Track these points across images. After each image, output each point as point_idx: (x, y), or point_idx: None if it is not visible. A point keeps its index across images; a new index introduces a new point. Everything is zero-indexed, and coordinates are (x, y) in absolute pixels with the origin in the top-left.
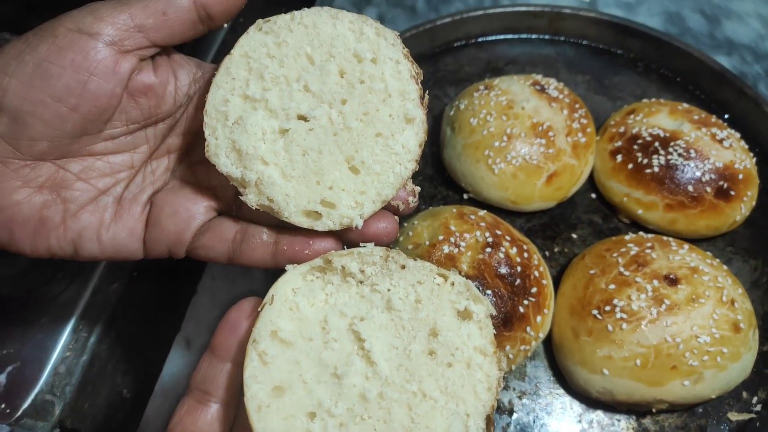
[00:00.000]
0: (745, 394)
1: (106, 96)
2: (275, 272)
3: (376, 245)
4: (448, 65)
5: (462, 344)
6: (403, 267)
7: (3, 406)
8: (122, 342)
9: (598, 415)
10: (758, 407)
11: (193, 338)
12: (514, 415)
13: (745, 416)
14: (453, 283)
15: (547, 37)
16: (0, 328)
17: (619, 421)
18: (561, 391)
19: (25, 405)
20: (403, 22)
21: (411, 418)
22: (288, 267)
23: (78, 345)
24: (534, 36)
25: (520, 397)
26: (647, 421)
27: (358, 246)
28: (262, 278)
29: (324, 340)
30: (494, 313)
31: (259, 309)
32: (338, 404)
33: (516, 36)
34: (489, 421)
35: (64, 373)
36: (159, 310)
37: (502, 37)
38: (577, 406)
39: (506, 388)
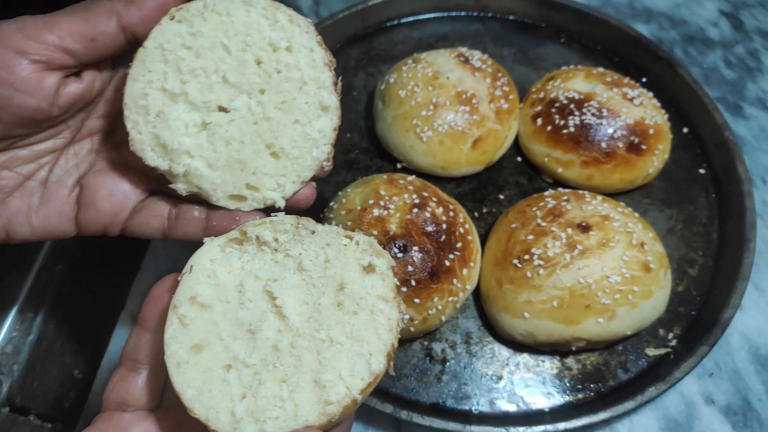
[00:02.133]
0: (661, 331)
1: (30, 110)
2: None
3: (295, 210)
4: (382, 44)
5: (366, 294)
6: (313, 232)
7: None
8: (69, 322)
9: (524, 358)
10: (673, 342)
11: (138, 314)
12: (447, 364)
13: (662, 351)
14: (357, 243)
15: (475, 14)
16: None
17: (543, 362)
18: (490, 338)
19: None
20: (338, 4)
21: (319, 362)
22: (206, 239)
23: (24, 325)
24: (463, 13)
25: (452, 347)
26: (570, 361)
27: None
28: None
29: (240, 301)
30: (394, 264)
31: (179, 278)
32: (252, 356)
33: (446, 14)
34: (389, 357)
35: (11, 352)
36: (104, 289)
37: (432, 15)
38: (504, 351)
39: (439, 339)
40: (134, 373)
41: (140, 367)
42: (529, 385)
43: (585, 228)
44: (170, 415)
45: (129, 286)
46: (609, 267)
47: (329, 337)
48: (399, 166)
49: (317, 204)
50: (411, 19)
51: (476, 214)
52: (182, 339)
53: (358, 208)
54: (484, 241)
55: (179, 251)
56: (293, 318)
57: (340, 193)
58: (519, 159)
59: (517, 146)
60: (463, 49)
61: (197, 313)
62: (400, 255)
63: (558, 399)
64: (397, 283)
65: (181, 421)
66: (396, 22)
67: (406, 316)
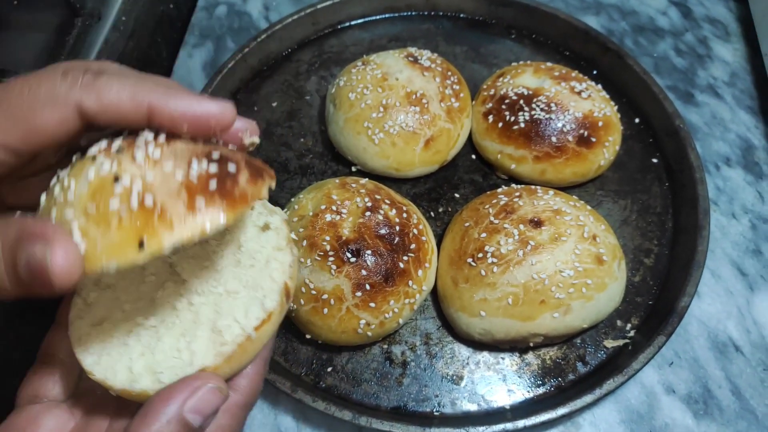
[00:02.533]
0: (619, 323)
1: None
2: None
3: None
4: (333, 47)
5: (261, 248)
6: None
7: None
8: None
9: (484, 356)
10: (632, 333)
11: None
12: (407, 367)
13: (620, 342)
14: (253, 207)
15: (425, 13)
16: None
17: (503, 359)
18: (449, 338)
19: None
20: (287, 8)
21: (216, 312)
22: None
23: None
24: (414, 13)
25: (412, 349)
26: (529, 356)
27: None
28: None
29: (142, 276)
30: (286, 218)
31: None
32: (151, 318)
33: (397, 14)
34: (287, 294)
35: None
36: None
37: (383, 16)
38: (464, 350)
39: (398, 342)
40: (48, 366)
41: (54, 361)
42: (489, 383)
43: (537, 223)
44: (83, 402)
45: None
46: (562, 261)
47: (226, 290)
48: (354, 169)
49: None
50: (362, 20)
51: (432, 213)
52: (85, 315)
53: (311, 214)
54: (441, 240)
55: None
56: (192, 281)
57: (293, 199)
58: (473, 157)
59: (471, 144)
60: (413, 49)
61: (100, 293)
62: (353, 259)
63: (519, 396)
64: (292, 234)
65: (94, 406)
66: (347, 24)
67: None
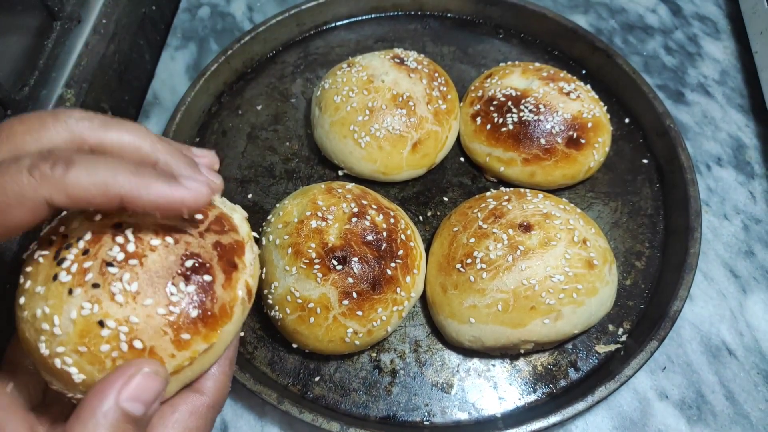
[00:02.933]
0: (611, 327)
1: None
2: None
3: None
4: (319, 48)
5: None
6: None
7: None
8: None
9: (475, 363)
10: (624, 337)
11: None
12: (396, 375)
13: (612, 347)
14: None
15: (412, 13)
16: None
17: (494, 366)
18: (439, 345)
19: None
20: (271, 9)
21: None
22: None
23: None
24: (400, 13)
25: (401, 357)
26: (520, 363)
27: None
28: None
29: None
30: (246, 215)
31: None
32: None
33: (383, 14)
34: (248, 292)
35: None
36: None
37: (369, 16)
38: (454, 358)
39: (387, 350)
40: (12, 374)
41: (18, 370)
42: (480, 391)
43: (526, 228)
44: (50, 412)
45: None
46: (552, 266)
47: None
48: (341, 173)
49: (257, 217)
50: (348, 21)
51: (421, 218)
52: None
53: (296, 220)
54: (430, 245)
55: None
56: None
57: (278, 205)
58: (462, 159)
59: (459, 147)
60: (399, 50)
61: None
62: (339, 267)
63: (510, 403)
64: (252, 232)
65: (61, 415)
66: (333, 24)
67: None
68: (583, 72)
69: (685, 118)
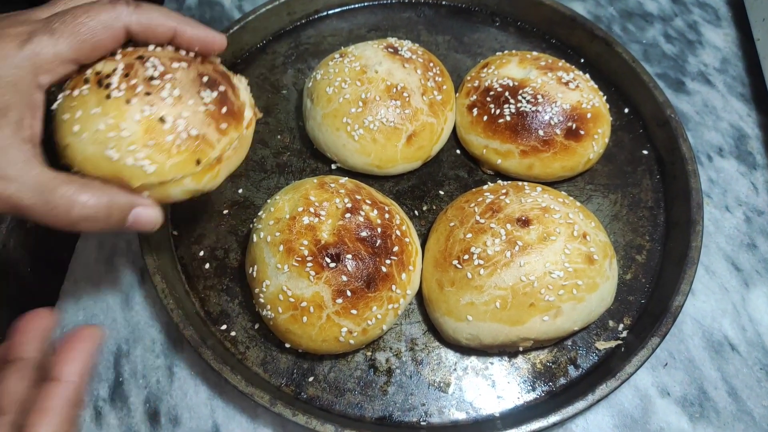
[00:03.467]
0: (611, 323)
1: None
2: (141, 274)
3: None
4: (311, 38)
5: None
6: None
7: None
8: None
9: (472, 361)
10: (624, 333)
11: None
12: (392, 374)
13: (612, 343)
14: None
15: (406, 0)
16: None
17: (492, 364)
18: (436, 343)
19: None
20: None
21: None
22: None
23: None
24: (394, 1)
25: (397, 356)
26: (519, 360)
27: None
28: (129, 278)
29: None
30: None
31: None
32: None
33: (376, 2)
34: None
35: None
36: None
37: (362, 4)
38: (452, 356)
39: (383, 348)
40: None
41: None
42: (478, 390)
43: (525, 222)
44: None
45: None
46: (551, 262)
47: None
48: (334, 167)
49: (249, 212)
50: (340, 9)
51: (417, 212)
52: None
53: (287, 216)
54: (426, 240)
55: (100, 275)
56: None
57: (269, 200)
58: (458, 152)
59: (455, 139)
60: (393, 40)
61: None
62: (333, 265)
63: (508, 402)
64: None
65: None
66: (324, 13)
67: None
68: (582, 60)
69: (686, 107)
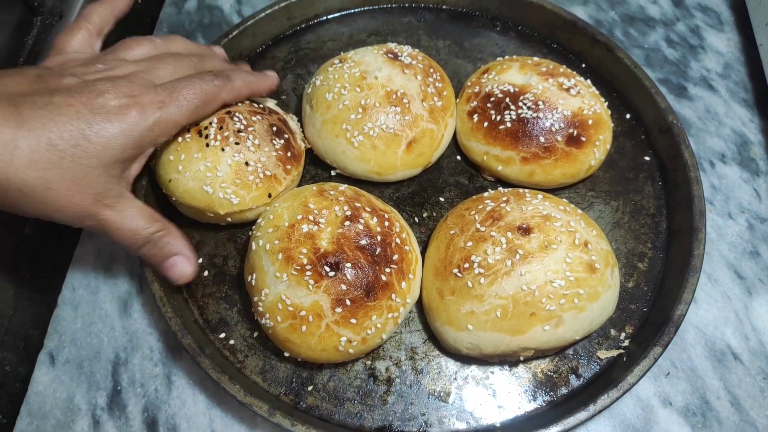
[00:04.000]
0: (613, 332)
1: None
2: (140, 282)
3: None
4: (310, 43)
5: None
6: None
7: None
8: None
9: (473, 371)
10: (626, 342)
11: (57, 353)
12: (392, 384)
13: (614, 352)
14: None
15: (406, 5)
16: None
17: (492, 373)
18: (436, 352)
19: None
20: (261, 2)
21: None
22: None
23: None
24: (394, 5)
25: (397, 365)
26: (520, 369)
27: None
28: (127, 286)
29: None
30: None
31: None
32: None
33: (376, 7)
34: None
35: None
36: (20, 326)
37: (362, 9)
38: (452, 365)
39: (382, 357)
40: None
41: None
42: (478, 399)
43: (526, 230)
44: None
45: (46, 324)
46: (552, 271)
47: None
48: (333, 173)
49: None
50: (339, 14)
51: (417, 219)
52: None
53: (286, 224)
54: (426, 248)
55: (98, 283)
56: None
57: (268, 208)
58: (458, 158)
59: (455, 145)
60: (393, 45)
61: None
62: (332, 273)
63: (509, 412)
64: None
65: None
66: (324, 18)
67: None
68: (583, 66)
69: (688, 113)
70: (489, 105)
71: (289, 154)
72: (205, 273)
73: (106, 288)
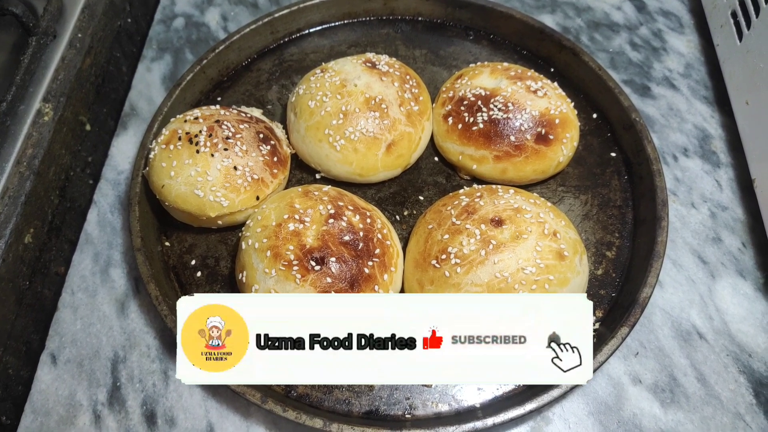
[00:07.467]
0: None
1: None
2: (136, 284)
3: None
4: (294, 55)
5: None
6: None
7: None
8: None
9: None
10: (596, 325)
11: (58, 354)
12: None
13: None
14: None
15: (384, 17)
16: None
17: None
18: None
19: None
20: (246, 18)
21: None
22: None
23: None
24: (372, 18)
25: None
26: None
27: None
28: (124, 288)
29: None
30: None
31: None
32: None
33: (356, 20)
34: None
35: None
36: (22, 331)
37: (342, 22)
38: None
39: None
40: None
41: None
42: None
43: (498, 222)
44: None
45: (47, 328)
46: (523, 259)
47: None
48: (318, 176)
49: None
50: (321, 27)
51: (398, 217)
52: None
53: (273, 224)
54: (407, 244)
55: (96, 286)
56: None
57: (256, 210)
58: (436, 159)
59: (433, 146)
60: (371, 55)
61: None
62: (318, 267)
63: (488, 394)
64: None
65: None
66: (306, 31)
67: None
68: (551, 70)
69: (652, 111)
70: (462, 108)
71: (275, 159)
72: (198, 273)
73: (103, 291)
